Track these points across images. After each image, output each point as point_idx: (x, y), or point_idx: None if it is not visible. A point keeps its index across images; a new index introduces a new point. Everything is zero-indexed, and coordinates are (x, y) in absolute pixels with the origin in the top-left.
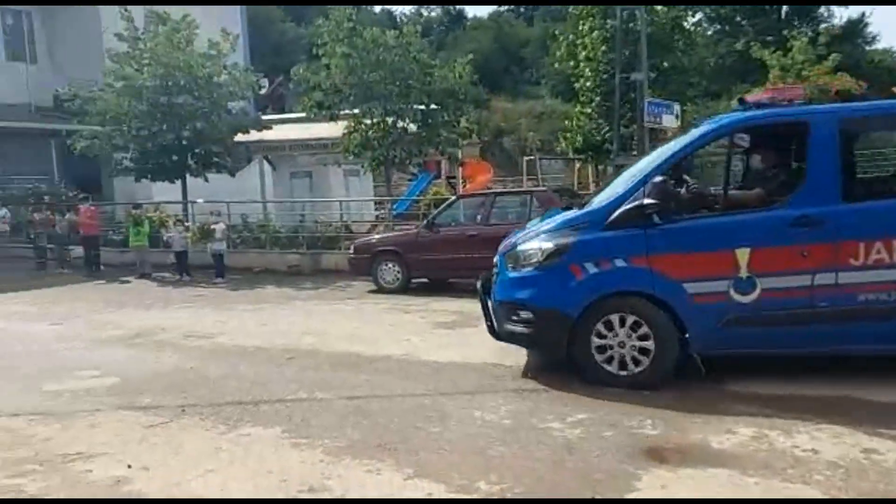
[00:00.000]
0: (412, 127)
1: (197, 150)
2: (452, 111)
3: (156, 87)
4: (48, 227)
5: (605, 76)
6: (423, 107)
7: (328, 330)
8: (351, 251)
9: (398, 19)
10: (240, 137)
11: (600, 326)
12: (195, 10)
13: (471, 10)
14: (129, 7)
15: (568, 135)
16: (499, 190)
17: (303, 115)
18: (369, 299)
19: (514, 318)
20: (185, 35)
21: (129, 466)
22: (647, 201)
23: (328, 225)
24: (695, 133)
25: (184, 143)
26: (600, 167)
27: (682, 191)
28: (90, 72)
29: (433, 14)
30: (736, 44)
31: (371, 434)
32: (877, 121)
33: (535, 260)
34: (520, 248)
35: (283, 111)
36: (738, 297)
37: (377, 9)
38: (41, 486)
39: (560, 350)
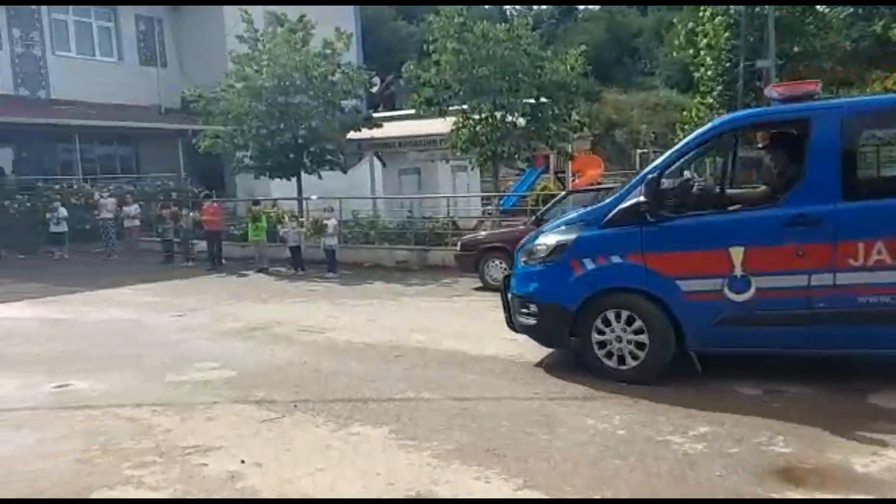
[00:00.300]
0: (521, 121)
1: (311, 149)
2: (563, 104)
3: (274, 87)
4: (175, 222)
5: (727, 64)
6: (532, 100)
7: (435, 327)
8: (458, 247)
9: (508, 14)
10: (352, 135)
11: (599, 322)
12: (311, 11)
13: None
14: (249, 9)
15: (686, 126)
16: (610, 185)
17: (412, 111)
18: (476, 296)
19: (525, 310)
20: (301, 36)
21: (243, 462)
22: (640, 199)
23: (435, 221)
24: (695, 132)
25: (299, 141)
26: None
27: (677, 189)
28: (215, 74)
29: (543, 8)
30: (872, 26)
31: (479, 438)
32: (881, 116)
33: (541, 255)
34: (531, 243)
35: (393, 109)
36: (732, 296)
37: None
38: (159, 479)
39: (562, 342)
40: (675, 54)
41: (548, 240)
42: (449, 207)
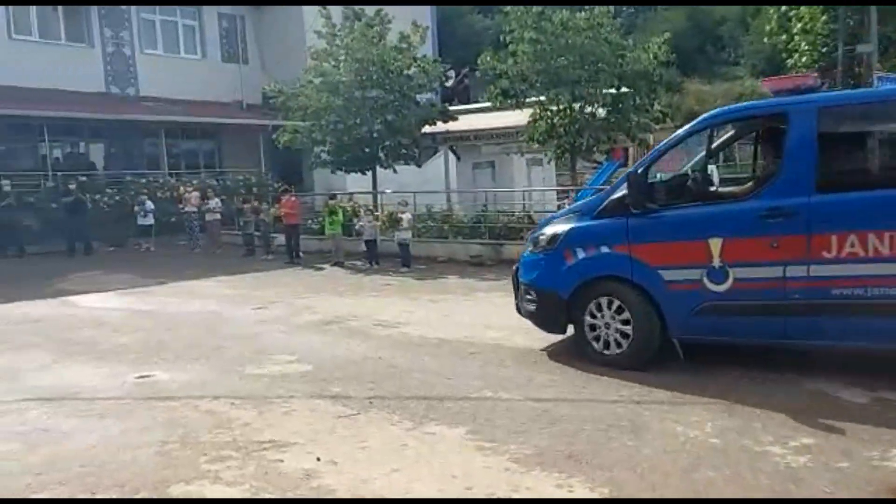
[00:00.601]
0: (601, 112)
1: (387, 143)
2: (645, 94)
3: (351, 81)
4: (256, 216)
5: (824, 49)
6: (613, 91)
7: (510, 324)
8: None
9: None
10: (427, 129)
11: (592, 307)
12: (388, 6)
13: None
14: (327, 5)
15: None
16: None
17: (488, 104)
18: None
19: (528, 297)
20: (378, 30)
21: (318, 459)
22: (624, 192)
23: (510, 215)
24: (683, 128)
25: (375, 135)
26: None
27: (662, 183)
28: (295, 70)
29: None
30: None
31: (560, 442)
32: (858, 110)
33: (542, 245)
34: (536, 233)
35: (467, 103)
36: (711, 286)
37: None
38: (236, 475)
39: (557, 328)
40: (765, 40)
41: (548, 230)
42: (524, 202)
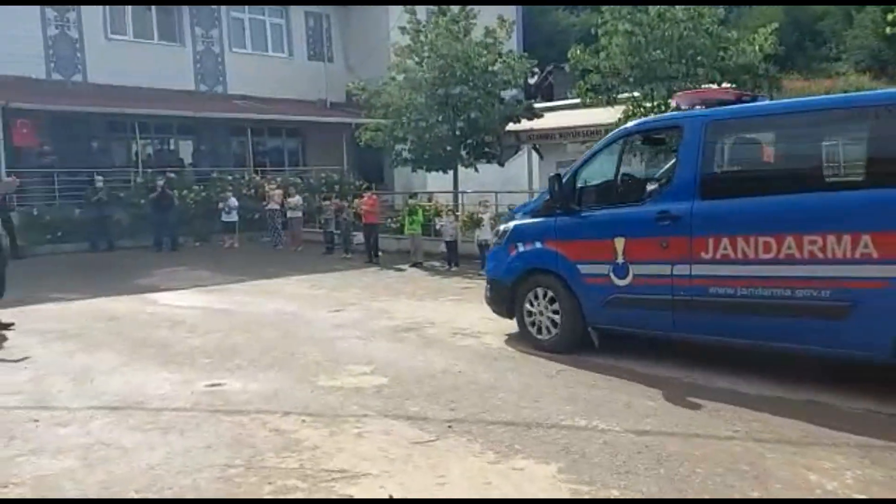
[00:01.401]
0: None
1: (469, 141)
2: (749, 90)
3: (434, 78)
4: (337, 214)
5: None
6: (713, 85)
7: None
8: None
9: None
10: (510, 127)
11: (531, 296)
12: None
13: None
14: (414, 5)
15: None
16: None
17: (575, 101)
18: None
19: (487, 285)
20: (463, 25)
21: (391, 497)
22: (547, 196)
23: None
24: (602, 140)
25: (457, 133)
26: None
27: (580, 187)
28: (378, 68)
29: None
30: None
31: (669, 487)
32: (741, 123)
33: (497, 238)
34: (498, 227)
35: (551, 100)
36: (616, 281)
37: None
38: None
39: (505, 313)
40: (888, 31)
41: (502, 226)
42: None
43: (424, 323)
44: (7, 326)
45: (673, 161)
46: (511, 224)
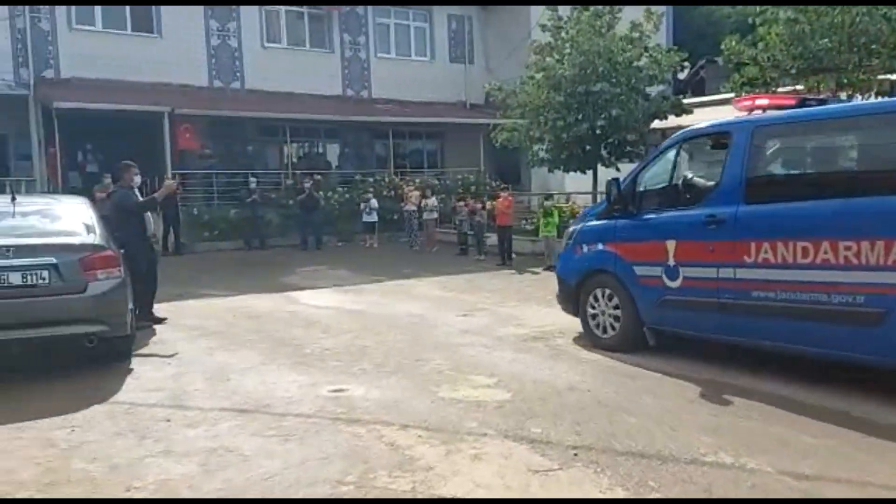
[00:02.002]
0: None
1: (610, 140)
2: None
3: (574, 76)
4: (471, 215)
5: None
6: (893, 76)
7: (756, 357)
8: None
9: None
10: (655, 124)
11: (592, 298)
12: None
13: None
14: (557, 5)
15: None
16: None
17: (730, 96)
18: None
19: (558, 285)
20: (606, 20)
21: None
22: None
23: None
24: (660, 146)
25: (597, 132)
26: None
27: (638, 191)
28: (519, 68)
29: None
30: None
31: None
32: (786, 129)
33: (566, 240)
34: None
35: (702, 96)
36: (668, 282)
37: None
38: None
39: (572, 312)
40: None
41: (571, 227)
42: None
43: (554, 332)
44: (161, 321)
45: (722, 166)
46: (578, 226)
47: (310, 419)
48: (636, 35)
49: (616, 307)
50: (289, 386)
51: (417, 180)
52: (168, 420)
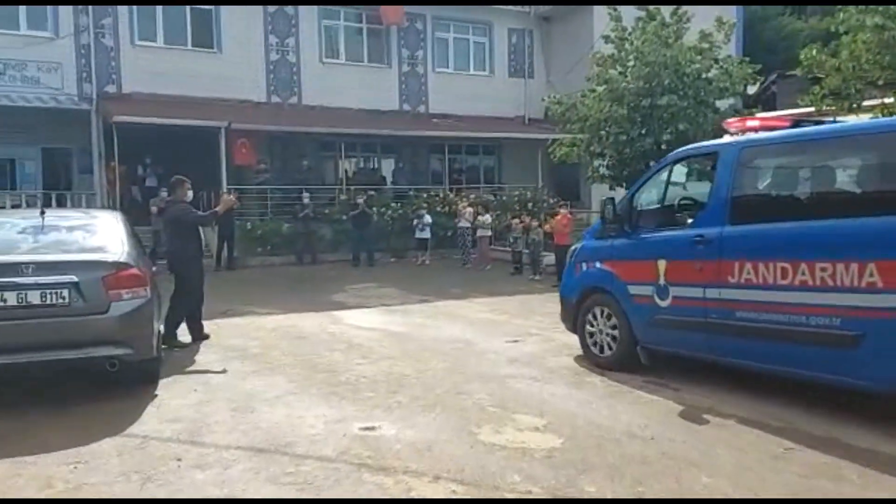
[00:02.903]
0: None
1: None
2: None
3: (638, 88)
4: (526, 233)
5: None
6: None
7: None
8: None
9: None
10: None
11: (590, 316)
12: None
13: None
14: (619, 7)
15: None
16: None
17: (807, 109)
18: None
19: (560, 304)
20: (673, 30)
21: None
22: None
23: None
24: (653, 167)
25: (662, 147)
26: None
27: (630, 212)
28: (580, 83)
29: None
30: None
31: None
32: (771, 149)
33: (569, 258)
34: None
35: (773, 111)
36: (659, 302)
37: None
38: None
39: (571, 329)
40: None
41: (574, 245)
42: None
43: (637, 369)
44: (205, 337)
45: (711, 187)
46: (579, 244)
47: (332, 464)
48: (705, 45)
49: (613, 326)
50: (315, 421)
51: (472, 196)
52: (179, 459)
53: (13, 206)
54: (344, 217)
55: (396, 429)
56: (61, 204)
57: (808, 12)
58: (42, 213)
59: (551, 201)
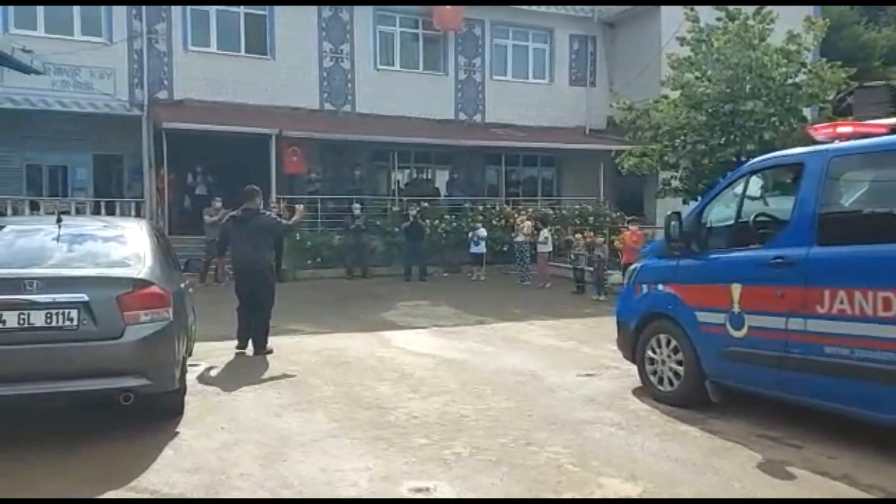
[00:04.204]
0: None
1: None
2: None
3: (719, 93)
4: (590, 250)
5: None
6: None
7: None
8: None
9: None
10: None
11: (653, 342)
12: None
13: None
14: (695, 7)
15: None
16: None
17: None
18: None
19: (617, 329)
20: (758, 30)
21: None
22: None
23: None
24: (726, 177)
25: (742, 158)
26: None
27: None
28: (646, 90)
29: None
30: None
31: None
32: (869, 159)
33: (627, 278)
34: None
35: None
36: (732, 331)
37: None
38: None
39: (628, 357)
40: None
41: (632, 265)
42: None
43: (709, 410)
44: (269, 351)
45: (794, 201)
46: (639, 264)
47: None
48: (793, 48)
49: (678, 356)
50: (357, 477)
51: (530, 209)
52: None
53: (46, 213)
54: (396, 229)
55: (455, 491)
56: (111, 212)
57: (881, 21)
58: (59, 220)
59: (614, 215)
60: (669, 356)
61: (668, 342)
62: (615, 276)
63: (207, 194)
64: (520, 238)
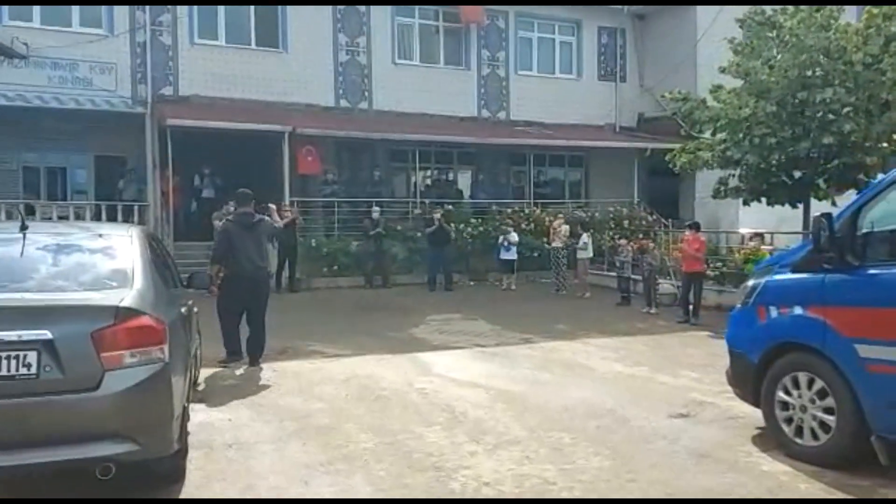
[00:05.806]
0: None
1: (834, 163)
2: None
3: (792, 80)
4: (641, 256)
5: None
6: None
7: None
8: None
9: None
10: None
11: (787, 381)
12: None
13: None
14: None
15: None
16: None
17: None
18: None
19: (730, 360)
20: (829, 12)
21: None
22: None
23: None
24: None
25: (812, 154)
26: None
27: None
28: (681, 85)
29: None
30: None
31: None
32: None
33: (742, 298)
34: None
35: None
36: None
37: None
38: None
39: (750, 398)
40: None
41: (750, 280)
42: None
43: (876, 471)
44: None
45: None
46: (762, 279)
47: None
48: (871, 30)
49: (824, 402)
50: None
51: (561, 213)
52: None
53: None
54: (419, 234)
55: None
56: (112, 216)
57: None
58: (23, 226)
59: (650, 218)
60: (813, 401)
61: (811, 383)
62: (664, 286)
63: (215, 197)
64: (557, 243)
